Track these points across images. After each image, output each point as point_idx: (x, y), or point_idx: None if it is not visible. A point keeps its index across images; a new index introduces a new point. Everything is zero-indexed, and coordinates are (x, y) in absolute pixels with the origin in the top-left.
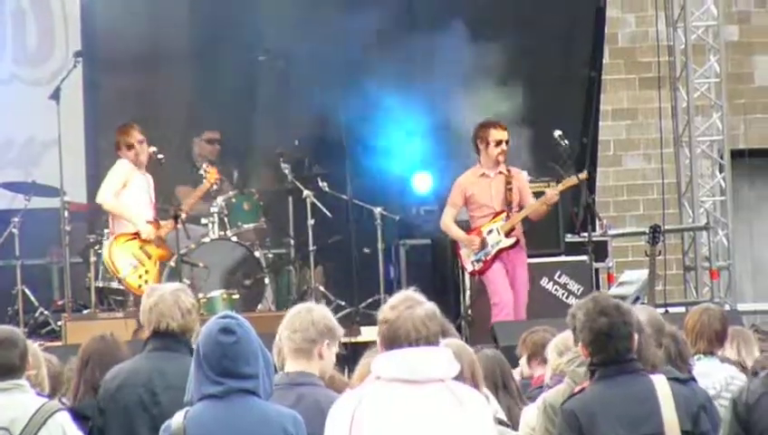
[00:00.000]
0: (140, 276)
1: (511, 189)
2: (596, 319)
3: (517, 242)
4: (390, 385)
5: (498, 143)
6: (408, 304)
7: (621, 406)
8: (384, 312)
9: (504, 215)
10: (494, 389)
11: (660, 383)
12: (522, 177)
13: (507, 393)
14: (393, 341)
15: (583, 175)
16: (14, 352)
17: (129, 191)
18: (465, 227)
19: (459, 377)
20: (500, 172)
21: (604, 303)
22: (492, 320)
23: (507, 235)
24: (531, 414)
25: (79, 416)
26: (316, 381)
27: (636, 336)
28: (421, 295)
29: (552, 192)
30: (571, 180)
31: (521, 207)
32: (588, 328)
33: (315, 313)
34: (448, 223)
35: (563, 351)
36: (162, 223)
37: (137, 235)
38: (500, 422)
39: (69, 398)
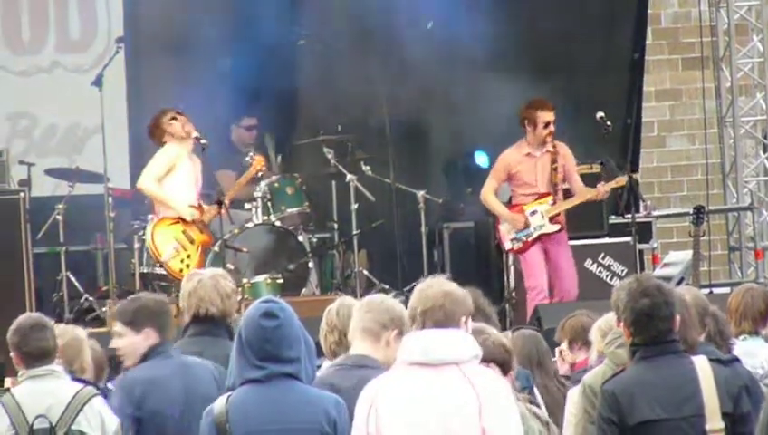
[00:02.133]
0: (182, 260)
1: (556, 169)
2: (638, 299)
3: (561, 229)
4: (407, 369)
5: (546, 125)
6: (433, 289)
7: (662, 387)
8: (411, 297)
9: (550, 198)
10: (530, 367)
11: (701, 364)
12: (567, 152)
13: (543, 372)
14: (417, 325)
15: (635, 176)
16: (47, 334)
17: (175, 176)
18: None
19: (505, 355)
20: (546, 151)
21: (646, 283)
22: (528, 304)
23: (552, 220)
24: (574, 396)
25: None
26: (378, 365)
27: (677, 317)
28: (449, 280)
29: (603, 189)
30: (622, 180)
31: (566, 189)
32: (630, 308)
33: (390, 301)
34: (489, 196)
35: (607, 332)
36: (206, 208)
37: (180, 219)
38: (530, 402)
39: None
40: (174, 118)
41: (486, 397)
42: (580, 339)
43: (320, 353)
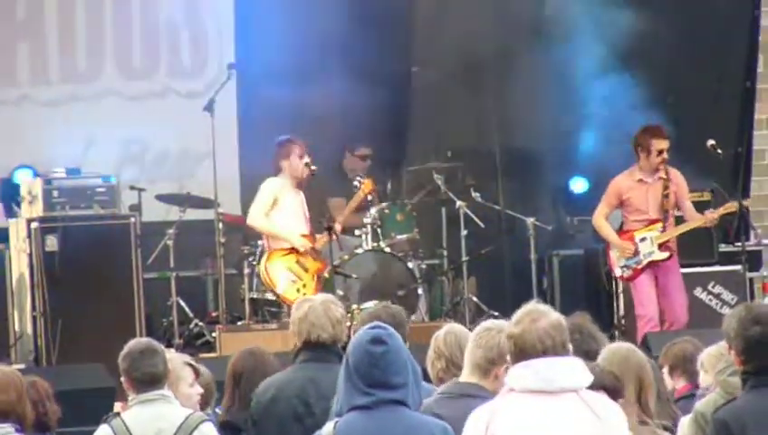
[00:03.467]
0: (299, 290)
1: (668, 196)
2: (749, 328)
3: (670, 256)
4: (523, 396)
5: (660, 152)
6: (533, 316)
7: None
8: (510, 327)
9: (660, 225)
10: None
11: None
12: (680, 179)
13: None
14: (521, 354)
15: (746, 202)
16: (157, 359)
17: (280, 208)
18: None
19: (620, 383)
20: (659, 178)
21: (757, 311)
22: (638, 332)
23: (661, 247)
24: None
25: (231, 428)
26: (486, 395)
27: None
28: (547, 306)
29: (713, 215)
30: (732, 206)
31: (678, 217)
32: (741, 336)
33: (502, 336)
34: (600, 221)
35: (708, 368)
36: (317, 236)
37: (293, 249)
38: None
39: (222, 410)
40: (302, 156)
41: (610, 425)
42: (680, 366)
43: (426, 380)
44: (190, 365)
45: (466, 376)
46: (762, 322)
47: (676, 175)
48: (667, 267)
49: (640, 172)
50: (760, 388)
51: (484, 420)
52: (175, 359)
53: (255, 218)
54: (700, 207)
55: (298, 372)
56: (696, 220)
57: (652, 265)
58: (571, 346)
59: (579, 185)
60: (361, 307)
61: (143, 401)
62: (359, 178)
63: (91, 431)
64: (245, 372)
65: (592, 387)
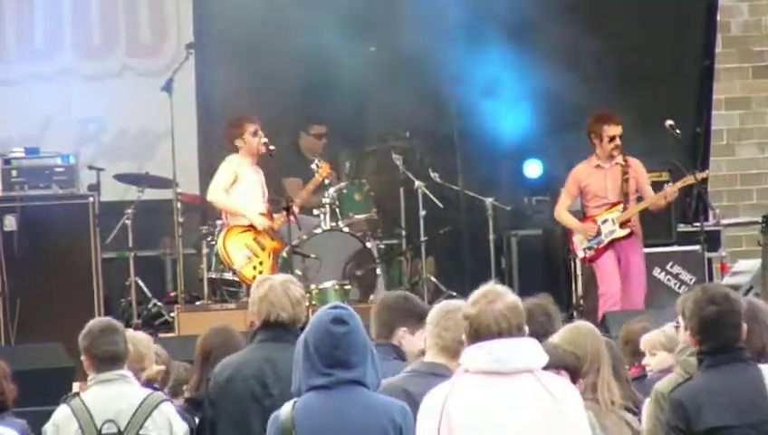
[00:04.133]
0: (255, 268)
1: (627, 180)
2: (704, 307)
3: (631, 233)
4: (478, 377)
5: (612, 139)
6: (489, 298)
7: (729, 395)
8: (466, 307)
9: (621, 206)
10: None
11: None
12: (639, 167)
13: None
14: (476, 335)
15: (704, 174)
16: (118, 338)
17: (240, 186)
18: (578, 217)
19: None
20: (616, 163)
21: (713, 291)
22: (599, 310)
23: (622, 225)
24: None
25: (195, 405)
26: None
27: (744, 326)
28: (504, 288)
29: (672, 189)
30: (690, 179)
31: (639, 198)
32: (697, 316)
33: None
34: (562, 212)
35: (652, 349)
36: (275, 216)
37: (251, 227)
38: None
39: (188, 389)
40: (256, 133)
41: (565, 405)
42: (630, 347)
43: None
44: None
45: (433, 357)
46: (717, 302)
47: (635, 163)
48: (629, 247)
49: (597, 159)
50: (715, 367)
51: (439, 401)
52: (141, 337)
53: (214, 193)
54: (659, 187)
55: (255, 352)
56: (655, 198)
57: (615, 244)
58: (527, 328)
59: (533, 168)
60: (320, 287)
61: (102, 381)
62: (317, 162)
63: (50, 411)
64: (214, 349)
65: (553, 367)
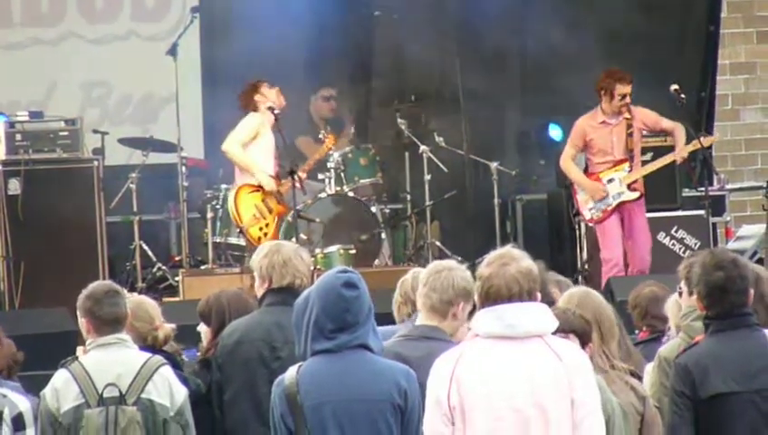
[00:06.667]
0: (261, 229)
1: (632, 134)
2: (712, 273)
3: (641, 196)
4: (488, 342)
5: (623, 97)
6: (504, 260)
7: (735, 360)
8: (480, 268)
9: (627, 165)
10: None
11: None
12: (642, 113)
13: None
14: (487, 298)
15: (712, 139)
16: (119, 301)
17: (257, 145)
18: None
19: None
20: (623, 119)
21: (720, 256)
22: (602, 275)
23: (630, 187)
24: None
25: (207, 366)
26: (446, 338)
27: (751, 291)
28: (521, 252)
29: (681, 153)
30: (698, 143)
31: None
32: (704, 282)
33: (455, 274)
34: (568, 164)
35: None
36: (282, 181)
37: (260, 187)
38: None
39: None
40: (272, 86)
41: (573, 368)
42: (639, 311)
43: (387, 323)
44: None
45: (423, 319)
46: (724, 267)
47: (637, 111)
48: (634, 209)
49: (603, 114)
50: (722, 332)
51: (449, 366)
52: (144, 298)
53: (231, 145)
54: (663, 151)
55: (264, 315)
56: (664, 158)
57: (621, 205)
58: (539, 294)
59: (555, 133)
60: (325, 251)
61: (102, 345)
62: (323, 133)
63: (49, 376)
64: (230, 312)
65: (561, 331)
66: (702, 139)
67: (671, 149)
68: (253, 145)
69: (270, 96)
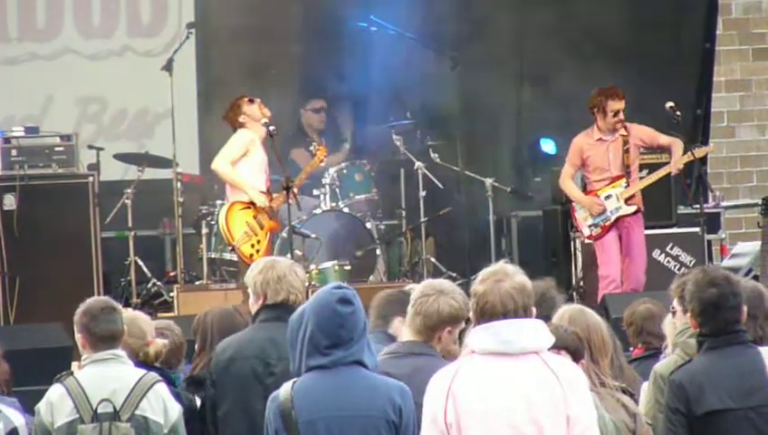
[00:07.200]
0: (253, 246)
1: (628, 150)
2: (705, 290)
3: (638, 211)
4: (484, 358)
5: (616, 113)
6: (497, 277)
7: (729, 377)
8: (474, 285)
9: (624, 181)
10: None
11: None
12: (638, 129)
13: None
14: (482, 314)
15: (707, 148)
16: (116, 317)
17: (248, 161)
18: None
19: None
20: (619, 135)
21: (713, 274)
22: (599, 292)
23: (627, 202)
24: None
25: (195, 383)
26: (433, 353)
27: (745, 308)
28: (515, 267)
29: (676, 165)
30: (693, 154)
31: (646, 169)
32: (697, 299)
33: (443, 300)
34: (567, 182)
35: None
36: (274, 195)
37: (251, 204)
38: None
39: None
40: (251, 100)
41: (569, 385)
42: (634, 328)
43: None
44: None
45: (409, 336)
46: (717, 284)
47: (633, 128)
48: (632, 225)
49: (599, 132)
50: (715, 349)
51: (445, 382)
52: (137, 313)
53: (220, 163)
54: (659, 168)
55: (259, 331)
56: (660, 172)
57: (619, 221)
58: (534, 309)
59: (548, 147)
60: (320, 267)
61: (97, 361)
62: (314, 145)
63: (45, 391)
64: (221, 330)
65: (554, 347)
66: (696, 149)
67: (667, 165)
68: (242, 162)
69: (253, 112)
